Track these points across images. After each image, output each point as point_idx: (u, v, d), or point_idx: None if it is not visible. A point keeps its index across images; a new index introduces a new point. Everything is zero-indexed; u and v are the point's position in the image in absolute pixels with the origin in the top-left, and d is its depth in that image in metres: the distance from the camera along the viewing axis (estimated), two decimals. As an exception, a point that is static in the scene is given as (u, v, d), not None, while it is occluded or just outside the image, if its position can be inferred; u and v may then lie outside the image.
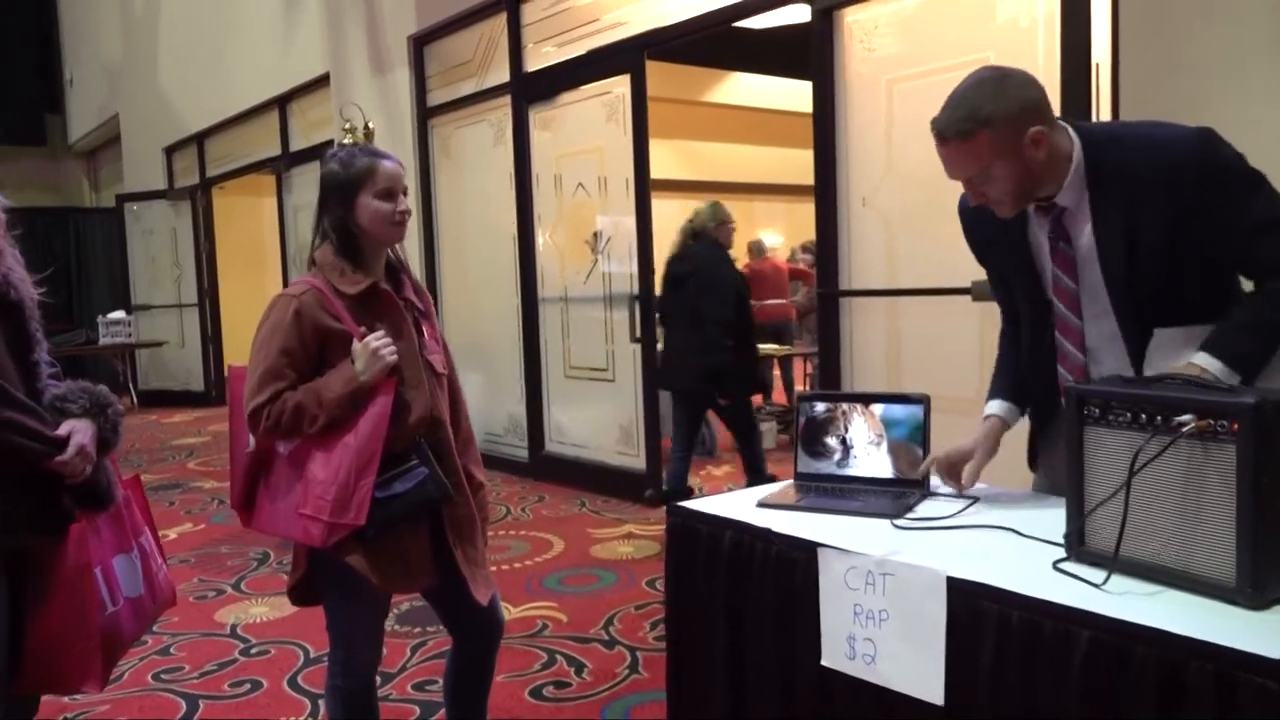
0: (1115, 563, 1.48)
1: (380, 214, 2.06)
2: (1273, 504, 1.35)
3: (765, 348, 7.44)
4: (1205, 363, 1.65)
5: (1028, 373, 2.04)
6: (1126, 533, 1.49)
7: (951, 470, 2.03)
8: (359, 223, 2.05)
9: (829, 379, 4.18)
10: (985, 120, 1.72)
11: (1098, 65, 3.28)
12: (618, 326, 5.57)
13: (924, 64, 3.78)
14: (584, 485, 5.79)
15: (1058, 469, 2.00)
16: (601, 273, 5.69)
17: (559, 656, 3.29)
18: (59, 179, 15.50)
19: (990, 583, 1.53)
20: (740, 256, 10.08)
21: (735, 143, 14.80)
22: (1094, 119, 3.26)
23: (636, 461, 5.52)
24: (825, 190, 4.16)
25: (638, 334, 5.37)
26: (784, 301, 8.68)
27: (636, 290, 5.38)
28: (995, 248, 2.01)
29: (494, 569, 4.26)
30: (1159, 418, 1.45)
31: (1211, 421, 1.39)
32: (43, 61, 15.27)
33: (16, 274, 1.77)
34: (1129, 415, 1.50)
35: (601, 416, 5.77)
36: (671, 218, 14.94)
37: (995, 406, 2.06)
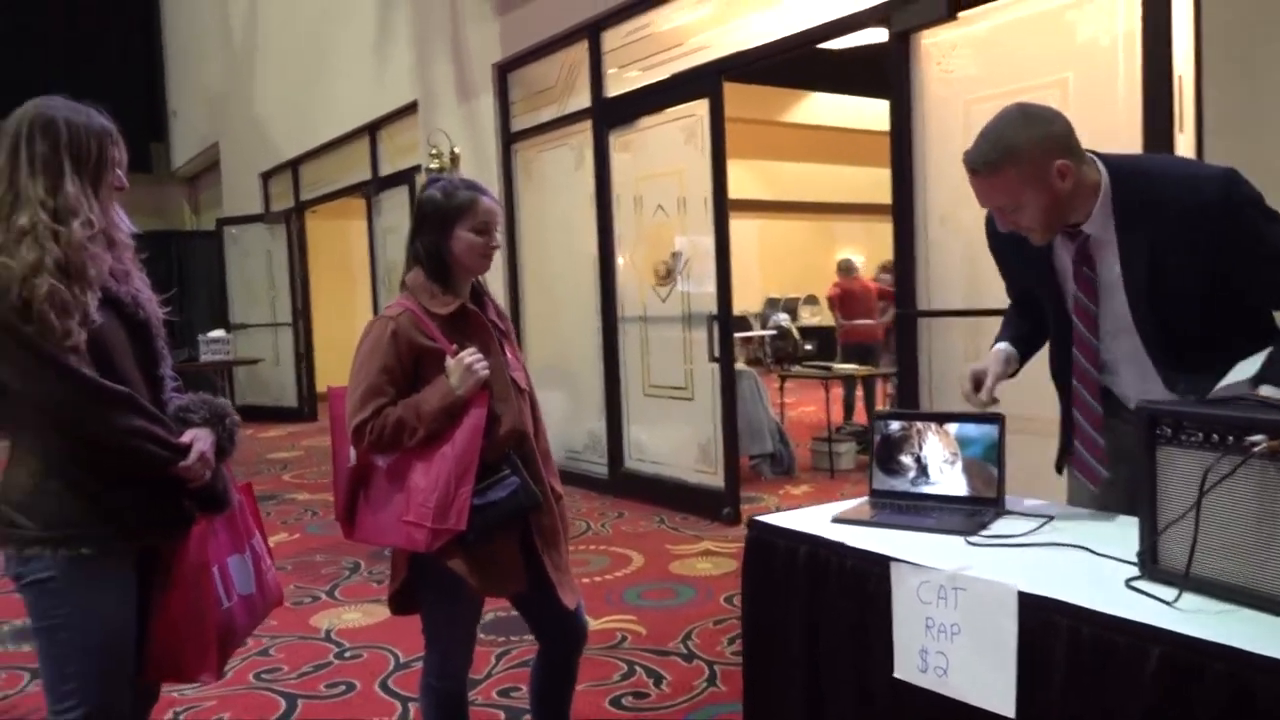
0: (1187, 580, 1.51)
1: (473, 246, 2.19)
2: (1346, 524, 1.37)
3: (844, 367, 7.45)
4: (1271, 393, 1.69)
5: (1056, 373, 2.19)
6: (1200, 551, 1.52)
7: (976, 384, 2.16)
8: (452, 251, 2.18)
9: (907, 399, 4.19)
10: (1012, 153, 1.84)
11: (1180, 77, 3.26)
12: (696, 346, 5.65)
13: (1002, 85, 3.79)
14: (663, 502, 5.87)
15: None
16: (680, 292, 5.78)
17: (638, 668, 3.37)
18: (163, 204, 16.28)
19: (1062, 598, 1.56)
20: (830, 275, 10.10)
21: (815, 162, 14.80)
22: (1177, 133, 3.25)
23: (715, 480, 5.58)
24: (903, 210, 4.19)
25: (716, 353, 5.44)
26: (872, 322, 8.67)
27: (715, 310, 5.45)
28: (1020, 266, 2.14)
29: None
30: (1230, 438, 1.47)
31: (1283, 441, 1.41)
32: (149, 93, 16.13)
33: (144, 294, 1.93)
34: (1201, 435, 1.52)
35: (680, 435, 5.85)
36: (750, 238, 14.87)
37: (1000, 346, 2.23)
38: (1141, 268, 1.90)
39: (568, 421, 6.83)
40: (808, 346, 13.54)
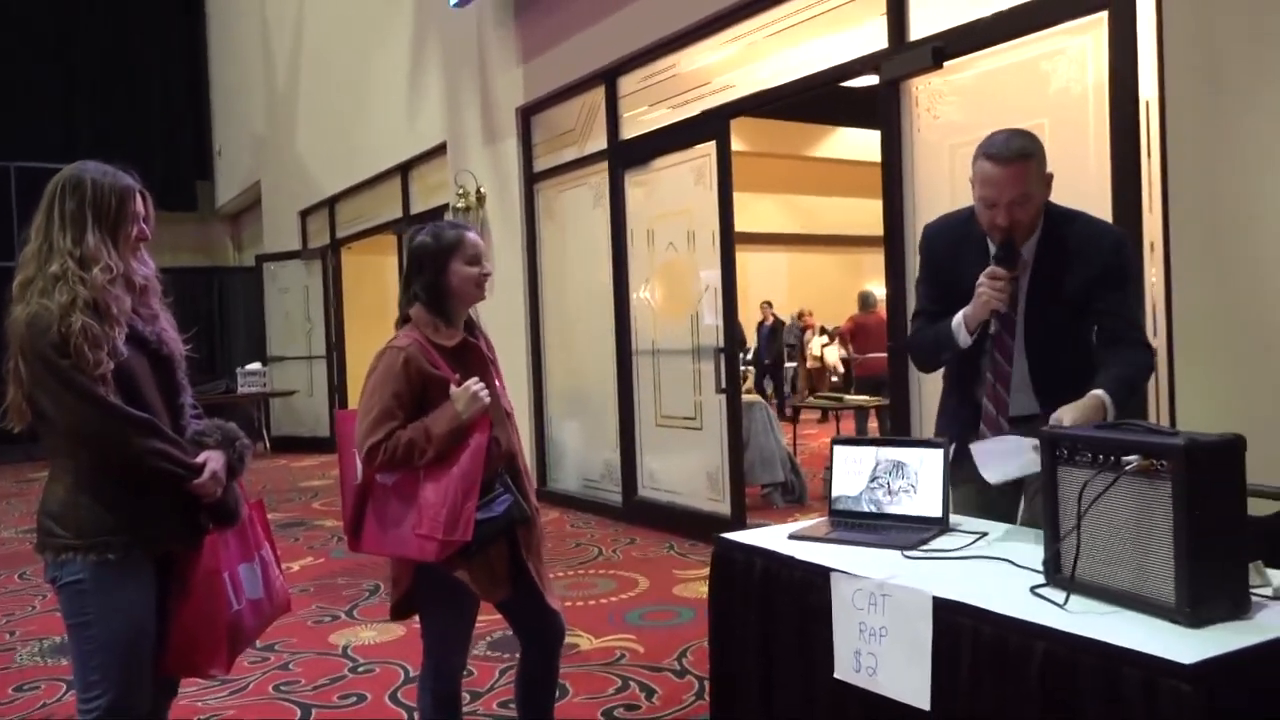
0: (1073, 585, 1.68)
1: (468, 277, 2.41)
2: (1205, 533, 1.54)
3: (854, 399, 7.60)
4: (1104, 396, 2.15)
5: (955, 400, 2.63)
6: (1088, 560, 1.70)
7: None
8: (450, 284, 2.40)
9: (899, 431, 4.35)
10: (1034, 151, 2.31)
11: (1147, 103, 3.44)
12: (705, 377, 5.84)
13: (984, 130, 3.94)
14: (674, 529, 6.03)
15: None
16: (689, 326, 5.98)
17: (632, 683, 3.54)
18: (207, 241, 16.83)
19: (970, 603, 1.74)
20: (850, 309, 10.26)
21: (842, 196, 14.99)
22: (1144, 160, 3.43)
23: (723, 507, 5.74)
24: (893, 248, 4.37)
25: (723, 385, 5.63)
26: (885, 355, 8.81)
27: (721, 342, 5.65)
28: (962, 273, 2.42)
29: (580, 604, 4.56)
30: (1112, 457, 1.65)
31: (1153, 461, 1.59)
32: (196, 134, 16.74)
33: (169, 333, 2.19)
34: (1090, 455, 1.70)
35: (690, 464, 6.03)
36: (780, 271, 14.95)
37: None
38: (1043, 287, 2.35)
39: (585, 451, 7.04)
40: (834, 379, 13.67)
